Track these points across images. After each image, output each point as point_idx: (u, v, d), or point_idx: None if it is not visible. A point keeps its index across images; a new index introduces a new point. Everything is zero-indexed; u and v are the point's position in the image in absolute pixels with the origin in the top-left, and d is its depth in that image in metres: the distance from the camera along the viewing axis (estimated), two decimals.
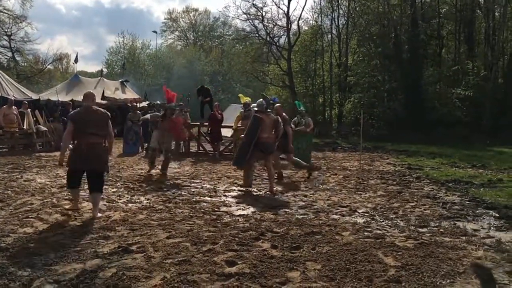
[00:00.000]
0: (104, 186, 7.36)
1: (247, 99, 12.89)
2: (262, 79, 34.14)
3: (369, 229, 4.98)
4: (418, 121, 22.01)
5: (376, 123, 24.32)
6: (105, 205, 6.02)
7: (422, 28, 24.76)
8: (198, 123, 15.19)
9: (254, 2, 30.72)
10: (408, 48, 24.68)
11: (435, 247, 4.28)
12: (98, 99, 20.71)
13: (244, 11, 31.78)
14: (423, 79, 23.76)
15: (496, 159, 13.21)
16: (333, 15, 29.42)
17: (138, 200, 6.43)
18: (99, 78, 25.60)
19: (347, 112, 26.75)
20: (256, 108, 8.15)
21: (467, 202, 6.70)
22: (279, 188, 7.74)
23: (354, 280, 3.45)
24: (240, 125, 12.11)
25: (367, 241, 4.50)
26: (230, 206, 6.18)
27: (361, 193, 7.41)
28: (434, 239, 4.58)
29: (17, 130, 13.10)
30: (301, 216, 5.59)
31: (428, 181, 8.92)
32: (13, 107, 13.18)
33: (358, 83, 26.03)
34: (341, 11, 29.41)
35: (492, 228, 5.19)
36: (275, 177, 8.63)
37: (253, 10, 31.03)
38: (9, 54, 36.17)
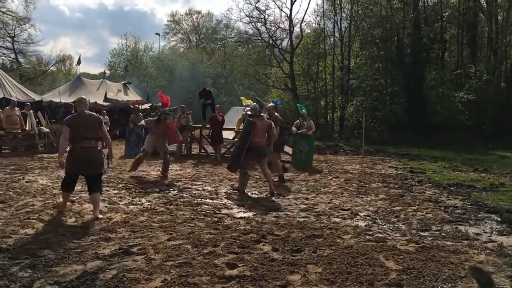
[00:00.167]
0: (106, 188, 7.41)
1: (249, 102, 12.89)
2: (264, 82, 34.13)
3: (371, 233, 4.96)
4: (420, 124, 21.96)
5: (378, 127, 24.27)
6: (106, 206, 6.02)
7: (425, 32, 24.73)
8: (200, 126, 15.20)
9: (256, 5, 30.71)
10: (410, 52, 24.63)
11: (436, 251, 4.27)
12: (100, 101, 20.99)
13: (247, 13, 31.78)
14: (425, 82, 23.70)
15: (498, 163, 13.17)
16: (336, 18, 29.42)
17: (139, 202, 6.43)
18: (101, 80, 25.64)
19: (349, 115, 26.71)
20: (249, 112, 8.20)
21: (469, 206, 6.69)
22: (282, 191, 7.72)
23: (355, 283, 3.44)
24: (242, 127, 12.10)
25: (368, 244, 4.49)
26: (231, 209, 6.17)
27: (363, 196, 7.39)
28: (436, 243, 4.57)
29: (19, 131, 13.12)
30: (303, 219, 5.58)
31: (430, 184, 8.90)
32: (16, 108, 13.21)
33: (361, 86, 26.00)
34: (343, 14, 29.40)
35: (494, 232, 5.17)
36: (276, 179, 8.64)
37: (255, 13, 31.04)
38: (12, 55, 36.33)
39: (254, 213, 5.89)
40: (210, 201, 6.70)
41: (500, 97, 23.06)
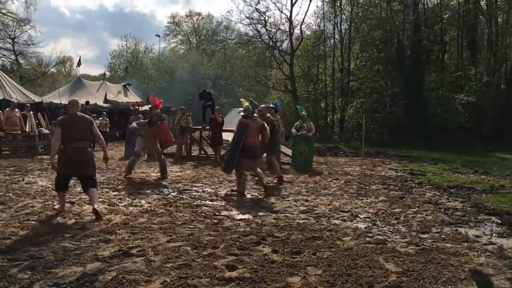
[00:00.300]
0: (105, 189, 7.42)
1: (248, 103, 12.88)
2: (264, 84, 34.17)
3: (371, 235, 4.96)
4: (420, 126, 21.97)
5: (378, 128, 24.30)
6: (106, 208, 6.02)
7: (425, 34, 24.76)
8: (200, 127, 15.21)
9: (257, 7, 30.80)
10: (410, 54, 24.68)
11: (436, 253, 4.26)
12: (100, 102, 21.00)
13: (247, 15, 31.88)
14: (425, 84, 23.73)
15: (498, 165, 13.17)
16: (336, 20, 29.48)
17: (139, 204, 6.42)
18: (101, 81, 25.68)
19: (349, 117, 26.73)
20: (242, 113, 8.26)
21: (469, 208, 6.68)
22: (281, 193, 7.72)
23: (355, 285, 3.43)
24: None
25: (368, 246, 4.48)
26: (231, 210, 6.17)
27: (363, 198, 7.39)
28: (436, 245, 4.56)
29: (19, 132, 13.12)
30: (302, 221, 5.57)
31: (430, 186, 8.90)
32: (16, 109, 13.21)
33: (361, 88, 26.02)
34: (343, 16, 29.45)
35: (494, 234, 5.16)
36: (276, 181, 8.66)
37: (256, 15, 31.11)
38: (13, 57, 36.31)
39: (254, 215, 5.88)
40: (210, 202, 6.70)
41: (500, 99, 23.09)
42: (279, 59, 32.20)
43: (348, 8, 28.86)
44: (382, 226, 5.44)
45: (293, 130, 12.30)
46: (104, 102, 21.41)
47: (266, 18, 30.89)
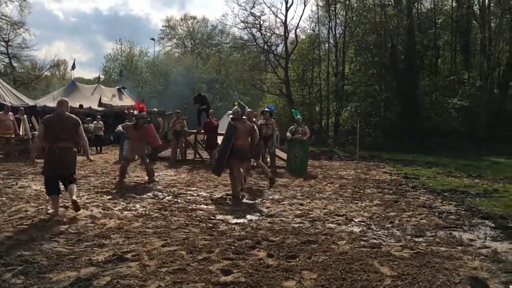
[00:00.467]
0: (100, 194, 7.38)
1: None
2: (259, 87, 34.22)
3: (365, 239, 4.97)
4: (414, 130, 22.07)
5: (373, 132, 24.37)
6: (100, 212, 5.99)
7: (419, 38, 24.93)
8: (195, 131, 15.20)
9: (252, 11, 30.90)
10: (404, 58, 24.80)
11: (431, 257, 4.28)
12: (95, 106, 20.95)
13: (242, 19, 31.95)
14: (419, 88, 23.87)
15: (491, 169, 13.25)
16: (330, 25, 29.62)
17: (134, 208, 6.40)
18: (96, 84, 25.63)
19: (343, 121, 26.79)
20: (231, 116, 8.40)
21: (463, 212, 6.71)
22: (277, 196, 7.72)
23: None
24: None
25: (363, 250, 4.49)
26: (226, 214, 6.15)
27: (358, 202, 7.40)
28: (430, 249, 4.58)
29: (13, 136, 13.05)
30: (297, 225, 5.58)
31: (424, 190, 8.93)
32: (10, 113, 13.14)
33: (355, 92, 26.13)
34: (338, 21, 29.59)
35: (488, 238, 5.19)
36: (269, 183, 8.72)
37: (251, 19, 31.21)
38: (6, 60, 36.12)
39: (249, 219, 5.88)
40: (205, 206, 6.69)
41: (493, 103, 23.26)
42: (274, 63, 32.28)
43: (343, 13, 29.02)
44: (377, 230, 5.45)
45: (288, 134, 12.33)
46: (98, 106, 21.36)
47: (261, 22, 31.03)
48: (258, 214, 6.21)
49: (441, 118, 22.35)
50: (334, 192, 8.46)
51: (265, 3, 45.09)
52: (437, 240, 4.99)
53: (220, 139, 13.85)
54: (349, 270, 3.85)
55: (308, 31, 33.30)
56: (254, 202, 7.25)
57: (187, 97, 24.74)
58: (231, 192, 7.84)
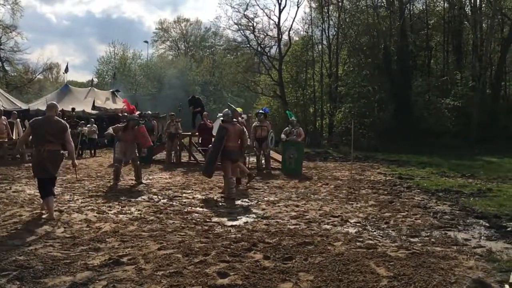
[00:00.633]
0: (94, 197, 7.35)
1: (239, 109, 12.92)
2: (253, 89, 34.23)
3: (361, 239, 4.98)
4: (407, 130, 22.18)
5: (367, 133, 24.47)
6: (95, 216, 5.96)
7: (411, 39, 25.09)
8: (189, 133, 15.18)
9: (245, 13, 30.90)
10: (397, 59, 24.94)
11: (426, 257, 4.30)
12: (88, 109, 20.86)
13: (235, 21, 31.91)
14: (412, 89, 24.00)
15: (485, 168, 13.34)
16: (324, 26, 29.69)
17: (129, 211, 6.37)
18: (89, 88, 25.52)
19: (337, 122, 26.89)
20: (222, 118, 8.58)
21: (458, 212, 6.75)
22: (272, 198, 7.72)
23: None
24: None
25: (359, 251, 4.50)
26: (222, 217, 6.15)
27: (353, 203, 7.42)
28: (426, 249, 4.60)
29: (6, 140, 12.96)
30: (293, 227, 5.58)
31: (418, 190, 8.98)
32: (3, 117, 13.05)
33: (349, 93, 26.21)
34: (331, 22, 29.69)
35: (482, 237, 5.23)
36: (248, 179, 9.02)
37: (244, 21, 31.20)
38: None
39: (245, 221, 5.88)
40: (200, 209, 6.68)
41: (485, 103, 23.44)
42: (267, 65, 32.31)
43: (336, 14, 29.12)
44: (372, 230, 5.47)
45: (283, 135, 12.35)
46: (92, 109, 21.27)
47: (255, 24, 31.03)
48: (254, 216, 6.21)
49: (434, 119, 22.49)
50: (329, 193, 8.48)
51: (258, 5, 45.06)
52: (432, 240, 5.01)
53: None
54: (345, 271, 3.85)
55: (302, 32, 33.43)
56: (249, 204, 7.24)
57: (181, 99, 24.70)
58: (225, 194, 7.85)
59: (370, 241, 4.91)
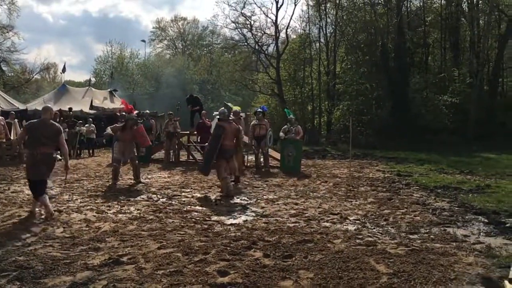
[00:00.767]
0: (94, 197, 7.35)
1: (237, 108, 12.91)
2: (251, 88, 34.22)
3: (361, 237, 4.99)
4: (405, 128, 22.20)
5: (365, 131, 24.48)
6: (94, 216, 5.96)
7: (409, 36, 25.08)
8: (188, 132, 15.17)
9: (242, 11, 30.87)
10: (395, 56, 24.94)
11: (426, 254, 4.31)
12: (86, 109, 20.82)
13: (233, 20, 31.91)
14: (410, 86, 24.01)
15: (483, 165, 13.36)
16: (321, 24, 29.67)
17: (128, 211, 6.37)
18: (87, 87, 25.45)
19: (336, 120, 26.88)
20: (218, 117, 8.66)
21: (456, 208, 6.77)
22: (271, 196, 7.73)
23: None
24: None
25: (358, 248, 4.51)
26: (221, 215, 6.15)
27: (352, 200, 7.43)
28: (425, 246, 4.61)
29: (4, 141, 12.93)
30: (293, 224, 5.59)
31: (417, 187, 8.99)
32: (0, 117, 13.02)
33: (347, 90, 26.21)
34: (328, 20, 29.67)
35: (481, 233, 5.24)
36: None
37: (241, 19, 31.18)
38: None
39: (244, 219, 5.88)
40: (200, 208, 6.68)
41: (483, 100, 23.46)
42: (265, 63, 32.28)
43: (333, 12, 29.09)
44: (372, 227, 5.48)
45: (281, 133, 12.36)
46: (90, 109, 21.21)
47: (252, 22, 31.01)
48: (253, 215, 6.22)
49: (432, 115, 22.50)
50: (328, 191, 8.49)
51: (255, 3, 45.20)
52: (431, 236, 5.02)
53: None
54: (345, 269, 3.86)
55: (299, 30, 33.42)
56: (248, 202, 7.25)
57: (179, 98, 24.67)
58: (224, 192, 7.86)
59: (370, 238, 4.92)
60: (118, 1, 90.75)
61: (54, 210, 6.13)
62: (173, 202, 7.07)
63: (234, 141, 8.53)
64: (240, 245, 4.56)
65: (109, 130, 9.37)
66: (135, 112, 18.14)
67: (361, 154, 17.30)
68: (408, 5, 26.86)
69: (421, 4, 27.08)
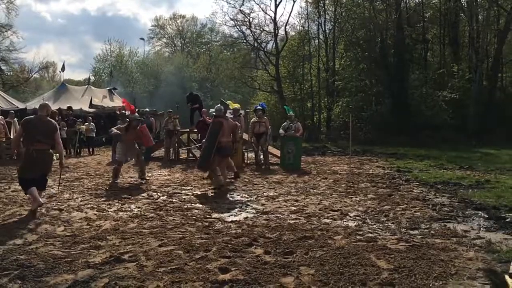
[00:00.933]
0: (94, 195, 7.35)
1: (236, 106, 12.92)
2: (250, 85, 34.21)
3: (361, 233, 5.00)
4: (405, 124, 22.22)
5: (365, 127, 24.49)
6: (95, 214, 5.96)
7: (408, 32, 25.06)
8: (187, 130, 15.17)
9: (241, 8, 30.89)
10: (394, 52, 24.94)
11: (426, 249, 4.31)
12: (86, 108, 20.82)
13: (232, 17, 31.92)
14: (409, 82, 24.02)
15: (482, 160, 13.39)
16: (320, 21, 29.66)
17: (129, 209, 6.37)
18: (86, 86, 25.46)
19: (335, 116, 26.91)
20: (214, 114, 8.79)
21: (457, 204, 6.78)
22: (272, 193, 7.73)
23: (348, 284, 3.45)
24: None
25: (359, 244, 4.51)
26: (222, 213, 6.15)
27: (352, 196, 7.44)
28: (426, 241, 4.62)
29: (3, 140, 12.93)
30: (293, 221, 5.59)
31: (417, 183, 9.00)
32: (0, 116, 13.02)
33: (346, 87, 26.22)
34: (327, 16, 29.66)
35: (482, 229, 5.25)
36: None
37: (240, 16, 31.17)
38: None
39: (245, 217, 5.89)
40: (200, 205, 6.68)
41: (482, 95, 23.46)
42: (264, 60, 32.29)
43: (332, 8, 29.07)
44: (372, 223, 5.49)
45: (281, 131, 12.36)
46: (89, 107, 21.21)
47: (251, 20, 31.00)
48: (254, 212, 6.23)
49: (432, 111, 22.51)
50: (328, 187, 8.50)
51: (254, 0, 44.97)
52: (432, 232, 5.03)
53: None
54: (346, 265, 3.87)
55: (298, 27, 33.39)
56: (249, 199, 7.25)
57: (178, 96, 24.72)
58: (214, 185, 8.07)
59: (370, 234, 4.92)
60: (116, 0, 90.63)
61: (55, 209, 6.14)
62: (174, 200, 7.07)
63: (231, 137, 8.61)
64: (241, 242, 4.56)
65: (114, 130, 9.41)
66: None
67: (360, 151, 17.33)
68: (407, 1, 26.86)
69: (420, 0, 27.05)
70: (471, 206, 6.53)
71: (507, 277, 3.45)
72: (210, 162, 8.35)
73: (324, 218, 5.79)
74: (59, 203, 6.59)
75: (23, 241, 4.59)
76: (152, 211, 6.20)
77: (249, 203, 6.90)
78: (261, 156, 12.30)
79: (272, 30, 30.57)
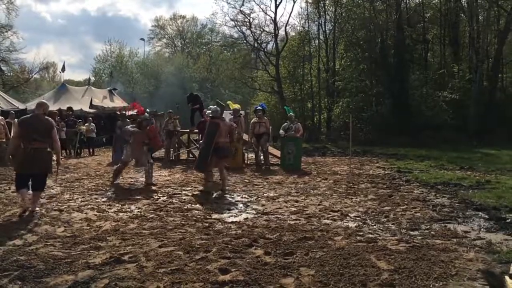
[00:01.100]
0: (94, 196, 7.35)
1: (237, 106, 12.92)
2: (250, 85, 34.22)
3: (361, 233, 4.99)
4: (405, 124, 22.21)
5: (365, 127, 24.48)
6: (95, 215, 5.96)
7: (408, 33, 25.06)
8: (188, 130, 15.17)
9: (241, 9, 30.89)
10: (394, 53, 24.94)
11: (426, 250, 4.31)
12: (86, 108, 20.81)
13: (232, 17, 31.95)
14: (409, 82, 24.02)
15: (483, 161, 13.38)
16: (320, 21, 29.67)
17: (129, 209, 6.37)
18: (86, 86, 25.45)
19: (335, 117, 26.90)
20: (211, 115, 8.76)
21: (457, 204, 6.77)
22: (272, 194, 7.73)
23: (348, 284, 3.45)
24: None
25: (359, 245, 4.51)
26: (222, 213, 6.15)
27: (352, 197, 7.44)
28: (426, 242, 4.62)
29: (4, 140, 12.91)
30: (293, 222, 5.59)
31: (417, 184, 9.00)
32: (0, 117, 13.01)
33: (346, 87, 26.23)
34: (327, 17, 29.68)
35: (482, 229, 5.25)
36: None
37: (240, 17, 31.20)
38: None
39: (245, 217, 5.89)
40: (200, 206, 6.68)
41: (482, 96, 23.46)
42: (264, 61, 32.30)
43: (332, 9, 29.08)
44: (372, 224, 5.49)
45: (281, 131, 12.35)
46: (89, 108, 21.21)
47: (251, 20, 31.02)
48: (254, 212, 6.22)
49: (432, 112, 22.51)
50: (328, 188, 8.49)
51: (254, 1, 44.91)
52: (432, 233, 5.03)
53: None
54: (346, 265, 3.86)
55: (298, 28, 33.41)
56: (249, 200, 7.25)
57: (178, 96, 24.70)
58: (203, 187, 8.27)
59: (370, 235, 4.92)
60: (116, 0, 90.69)
61: (55, 209, 6.14)
62: (174, 201, 7.07)
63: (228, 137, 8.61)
64: (241, 243, 4.56)
65: (129, 128, 9.38)
66: (135, 110, 18.12)
67: (361, 151, 17.32)
68: (407, 1, 26.87)
69: (420, 0, 27.05)
70: (472, 207, 6.53)
71: (507, 278, 3.44)
72: (208, 163, 8.37)
73: (324, 219, 5.79)
74: (59, 204, 6.59)
75: (23, 242, 4.59)
76: (152, 211, 6.20)
77: (249, 204, 6.90)
78: (261, 157, 12.30)
79: (272, 31, 30.61)
